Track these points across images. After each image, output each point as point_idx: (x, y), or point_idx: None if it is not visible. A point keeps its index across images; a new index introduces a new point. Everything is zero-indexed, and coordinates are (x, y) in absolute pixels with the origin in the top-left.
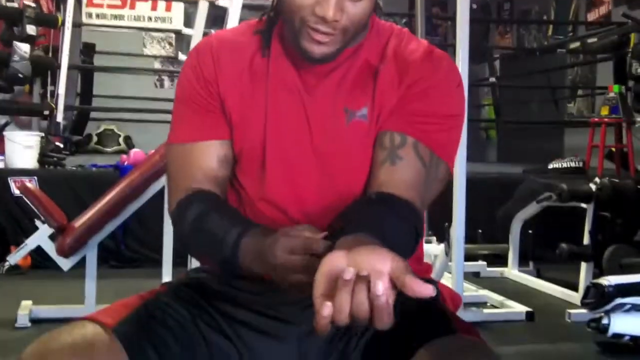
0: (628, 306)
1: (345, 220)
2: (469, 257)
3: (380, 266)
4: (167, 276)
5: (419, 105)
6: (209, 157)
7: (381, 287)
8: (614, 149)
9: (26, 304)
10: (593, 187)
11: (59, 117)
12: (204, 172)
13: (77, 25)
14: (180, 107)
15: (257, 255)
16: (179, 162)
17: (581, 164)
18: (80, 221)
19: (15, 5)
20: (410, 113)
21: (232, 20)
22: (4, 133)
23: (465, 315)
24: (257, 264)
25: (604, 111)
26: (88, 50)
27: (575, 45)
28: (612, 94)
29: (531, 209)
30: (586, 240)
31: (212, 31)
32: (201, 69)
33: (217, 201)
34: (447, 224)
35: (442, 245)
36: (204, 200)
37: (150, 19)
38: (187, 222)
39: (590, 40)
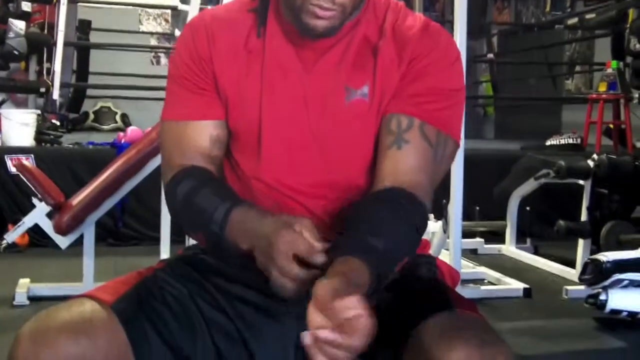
0: (626, 282)
1: (347, 224)
2: (466, 234)
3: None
4: (165, 253)
5: (421, 84)
6: (202, 136)
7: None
8: (611, 126)
9: (24, 282)
10: (591, 163)
11: (55, 95)
12: (197, 150)
13: (73, 1)
14: (173, 84)
15: (244, 232)
16: (173, 139)
17: (579, 141)
18: (77, 199)
19: None
20: (413, 94)
21: None
22: (0, 111)
23: (463, 292)
24: (244, 240)
25: (602, 87)
26: (84, 27)
27: (573, 21)
28: (610, 70)
29: (529, 186)
30: (584, 216)
31: (209, 7)
32: (195, 46)
33: (209, 177)
34: (444, 201)
35: (439, 223)
36: (195, 175)
37: None
38: (179, 197)
39: (588, 16)
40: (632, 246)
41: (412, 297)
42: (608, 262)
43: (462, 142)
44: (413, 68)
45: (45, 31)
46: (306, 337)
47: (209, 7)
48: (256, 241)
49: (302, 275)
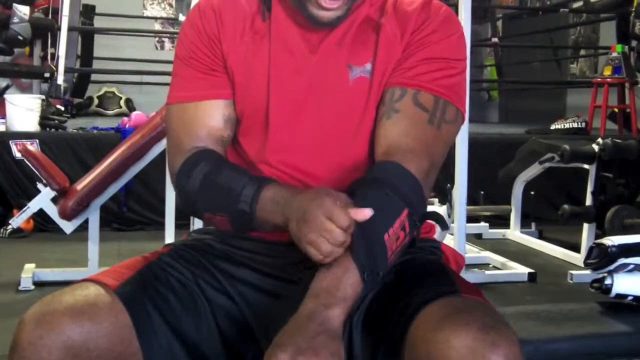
0: (631, 266)
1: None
2: (471, 218)
3: None
4: (169, 238)
5: (420, 54)
6: (215, 116)
7: None
8: (616, 110)
9: (29, 266)
10: (595, 147)
11: (60, 80)
12: (209, 131)
13: None
14: (181, 66)
15: (278, 206)
16: (183, 122)
17: (584, 125)
18: (82, 184)
19: None
20: (410, 66)
21: None
22: (5, 96)
23: (468, 276)
24: (276, 216)
25: (607, 71)
26: (88, 11)
27: (578, 4)
28: (614, 54)
29: (533, 170)
30: (588, 201)
31: None
32: (204, 25)
33: (225, 159)
34: (449, 185)
35: (444, 207)
36: (212, 157)
37: None
38: (197, 178)
39: (593, 0)
40: (637, 230)
41: (416, 282)
42: (613, 246)
43: (466, 125)
44: (413, 39)
45: (50, 16)
46: None
47: None
48: (291, 213)
49: (340, 235)
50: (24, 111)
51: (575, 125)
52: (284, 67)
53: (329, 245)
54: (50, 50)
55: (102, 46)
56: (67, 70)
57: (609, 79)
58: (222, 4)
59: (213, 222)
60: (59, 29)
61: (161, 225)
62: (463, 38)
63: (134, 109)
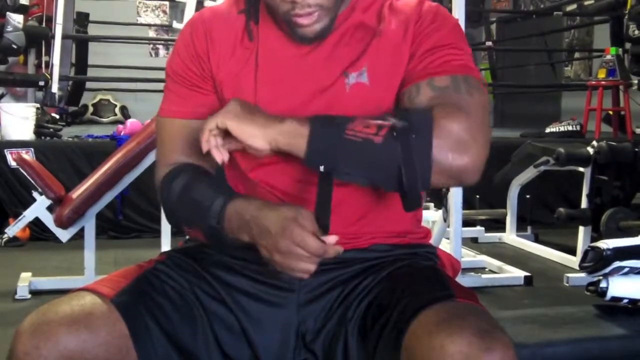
0: (626, 269)
1: None
2: (466, 222)
3: None
4: (166, 246)
5: (424, 46)
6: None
7: None
8: (611, 112)
9: (25, 275)
10: (590, 150)
11: (54, 88)
12: (196, 148)
13: None
14: (171, 82)
15: (243, 223)
16: (170, 136)
17: (578, 128)
18: (77, 192)
19: None
20: (418, 61)
21: None
22: None
23: (464, 280)
24: (243, 232)
25: (601, 74)
26: (82, 19)
27: (571, 7)
28: (609, 57)
29: (529, 174)
30: (584, 203)
31: None
32: (193, 42)
33: (204, 172)
34: (444, 189)
35: (440, 212)
36: (190, 171)
37: None
38: (175, 192)
39: (587, 3)
40: (632, 233)
41: (411, 288)
42: (608, 249)
43: None
44: (417, 32)
45: (44, 24)
46: None
47: None
48: (258, 235)
49: (315, 258)
50: (19, 120)
51: (570, 128)
52: (273, 77)
53: (309, 265)
54: (44, 59)
55: (97, 54)
56: (62, 78)
57: (603, 82)
58: (213, 19)
59: (191, 235)
60: (53, 37)
61: (157, 233)
62: (460, 26)
63: (129, 117)
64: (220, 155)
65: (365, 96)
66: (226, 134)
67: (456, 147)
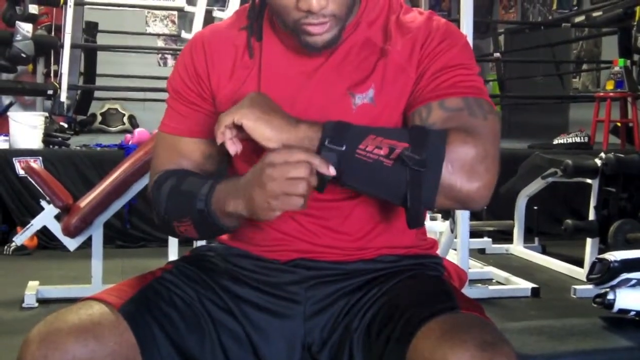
0: (634, 281)
1: None
2: (474, 233)
3: None
4: (173, 255)
5: (434, 66)
6: (195, 152)
7: None
8: (619, 124)
9: (33, 284)
10: (598, 162)
11: (63, 97)
12: (191, 164)
13: (80, 3)
14: (171, 100)
15: (227, 194)
16: (168, 151)
17: (586, 139)
18: (85, 201)
19: None
20: (428, 81)
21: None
22: (8, 113)
23: (471, 291)
24: (228, 202)
25: (609, 86)
26: (91, 29)
27: (580, 19)
28: (617, 68)
29: (536, 185)
30: (591, 215)
31: (215, 9)
32: (193, 63)
33: (194, 174)
34: None
35: (447, 222)
36: (179, 172)
37: None
38: (165, 191)
39: (595, 14)
40: None
41: (416, 299)
42: (616, 261)
43: None
44: (424, 53)
45: (53, 33)
46: None
47: (215, 8)
48: (248, 197)
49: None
50: (28, 128)
51: (577, 139)
52: (275, 99)
53: (304, 185)
54: (53, 68)
55: (105, 63)
56: (70, 88)
57: (611, 93)
58: (213, 38)
59: (181, 231)
60: (62, 46)
61: (164, 242)
62: (469, 45)
63: (137, 126)
64: (234, 147)
65: (372, 117)
66: (240, 127)
67: (468, 174)
